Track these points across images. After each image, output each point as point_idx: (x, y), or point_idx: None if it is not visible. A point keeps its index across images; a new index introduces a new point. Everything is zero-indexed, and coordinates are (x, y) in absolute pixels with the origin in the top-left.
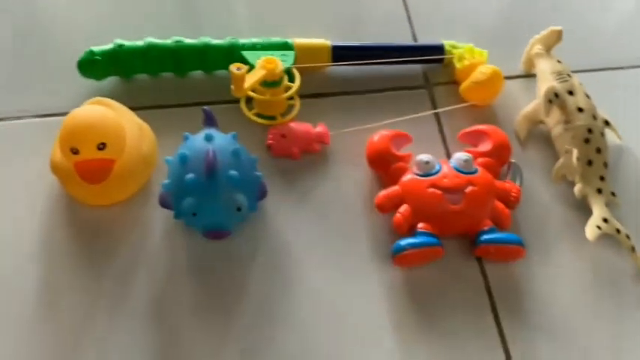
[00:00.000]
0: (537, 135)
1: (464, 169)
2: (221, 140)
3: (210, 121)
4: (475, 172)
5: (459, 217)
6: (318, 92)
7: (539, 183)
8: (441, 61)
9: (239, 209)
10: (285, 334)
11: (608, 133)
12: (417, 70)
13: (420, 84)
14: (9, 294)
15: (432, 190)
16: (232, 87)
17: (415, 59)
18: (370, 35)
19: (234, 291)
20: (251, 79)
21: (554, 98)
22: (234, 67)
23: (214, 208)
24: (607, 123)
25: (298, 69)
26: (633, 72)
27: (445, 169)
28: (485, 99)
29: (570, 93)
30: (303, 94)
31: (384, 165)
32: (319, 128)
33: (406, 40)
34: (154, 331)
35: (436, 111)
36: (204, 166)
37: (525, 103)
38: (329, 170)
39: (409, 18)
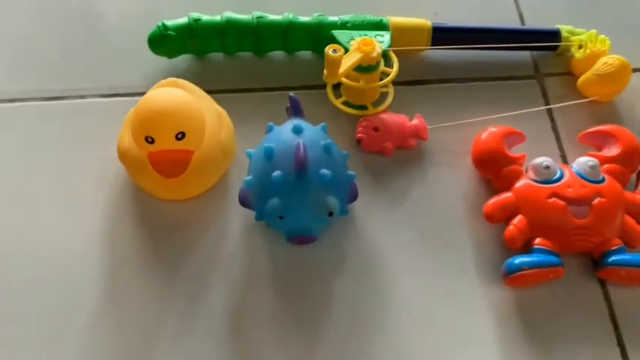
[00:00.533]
0: None
1: (590, 177)
2: (311, 133)
3: (296, 110)
4: (602, 180)
5: (584, 234)
6: (414, 79)
7: None
8: (555, 48)
9: (330, 214)
10: (376, 351)
11: None
12: (527, 57)
13: (529, 74)
14: (75, 288)
15: (553, 200)
16: (325, 72)
17: (525, 45)
18: (469, 18)
19: (320, 301)
20: (346, 64)
21: None
22: (330, 49)
23: (303, 212)
24: None
25: (395, 52)
26: None
27: (568, 175)
28: (609, 94)
29: None
30: (397, 81)
31: (495, 167)
32: (416, 121)
33: (511, 22)
34: (229, 343)
35: (550, 106)
36: (293, 162)
37: None
38: (426, 170)
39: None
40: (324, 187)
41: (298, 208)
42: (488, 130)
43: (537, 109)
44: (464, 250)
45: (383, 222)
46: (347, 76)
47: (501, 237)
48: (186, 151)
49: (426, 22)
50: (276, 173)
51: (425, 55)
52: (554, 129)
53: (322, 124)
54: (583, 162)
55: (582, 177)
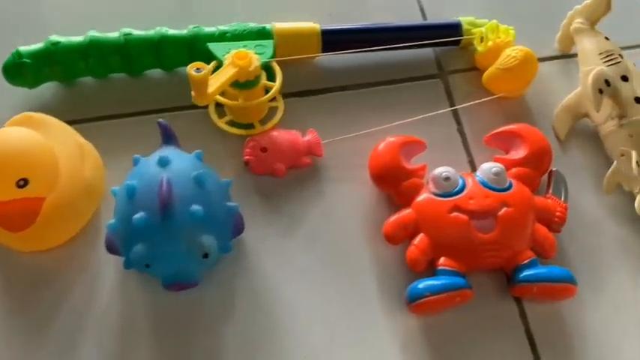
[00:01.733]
0: (581, 132)
1: (494, 185)
2: (180, 163)
3: (167, 137)
4: (509, 187)
5: (490, 249)
6: (306, 89)
7: (587, 196)
8: (457, 43)
9: (206, 255)
10: None
11: None
12: (429, 55)
13: (432, 73)
14: None
15: (454, 214)
16: (193, 93)
17: (425, 43)
18: (367, 14)
19: (207, 351)
20: (217, 81)
21: (604, 87)
22: (192, 68)
23: (173, 257)
24: None
25: (280, 62)
26: None
27: (470, 185)
28: (515, 89)
29: (624, 79)
30: (287, 93)
31: (393, 182)
32: (309, 136)
33: (413, 18)
34: None
35: (454, 108)
36: (157, 201)
37: (564, 92)
38: (323, 188)
39: None
40: (195, 226)
41: (167, 254)
42: (384, 141)
43: (441, 111)
44: (367, 275)
45: (277, 251)
46: (225, 94)
47: (405, 259)
48: (33, 200)
49: (315, 26)
50: (138, 215)
51: (318, 62)
52: (461, 132)
53: (197, 151)
54: (486, 169)
55: (486, 186)
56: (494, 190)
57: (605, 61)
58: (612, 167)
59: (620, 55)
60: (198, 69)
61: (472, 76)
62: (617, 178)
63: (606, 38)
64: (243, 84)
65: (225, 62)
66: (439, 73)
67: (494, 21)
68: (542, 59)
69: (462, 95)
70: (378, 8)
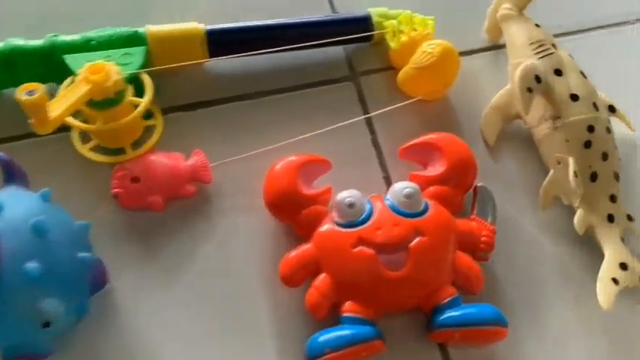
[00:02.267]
0: (515, 136)
1: (406, 210)
2: (17, 209)
3: (9, 174)
4: (424, 211)
5: (403, 289)
6: (193, 102)
7: (521, 213)
8: (369, 39)
9: (47, 324)
10: None
11: (615, 125)
12: (338, 54)
13: (343, 74)
14: None
15: (359, 248)
16: (31, 121)
17: (329, 41)
18: (268, 11)
19: None
20: (65, 102)
21: (534, 84)
22: (22, 92)
23: (8, 327)
24: (612, 110)
25: (158, 72)
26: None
27: (379, 210)
28: (435, 90)
29: (558, 73)
30: (169, 107)
31: (290, 211)
32: (194, 159)
33: (322, 12)
34: None
35: (367, 115)
36: None
37: (494, 90)
38: (212, 223)
39: None
40: (32, 289)
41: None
42: (279, 162)
43: (351, 120)
44: (265, 326)
45: (155, 304)
46: (82, 115)
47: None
48: None
49: (198, 26)
50: None
51: (207, 68)
52: (375, 143)
53: (43, 190)
54: (397, 190)
55: (397, 211)
56: (405, 215)
57: (536, 53)
58: (548, 177)
59: (553, 44)
60: (30, 91)
61: (388, 77)
62: (555, 189)
63: (537, 25)
64: (101, 103)
65: (77, 78)
66: (350, 74)
67: (408, 11)
68: (467, 52)
69: (377, 100)
70: (279, 3)
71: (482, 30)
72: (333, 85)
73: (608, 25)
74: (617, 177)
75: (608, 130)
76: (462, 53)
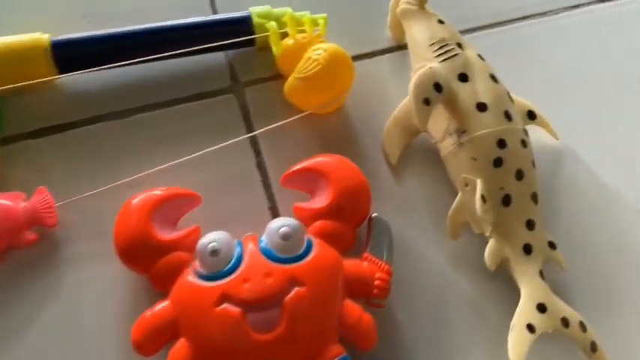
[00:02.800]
0: (421, 152)
1: (283, 254)
2: None
3: None
4: (306, 253)
5: (275, 354)
6: (40, 127)
7: (427, 242)
8: (251, 43)
9: None
10: None
11: (537, 133)
12: (219, 62)
13: (223, 86)
14: None
15: (223, 307)
16: None
17: (200, 48)
18: (139, 13)
19: None
20: None
21: (433, 94)
22: None
23: None
24: (532, 116)
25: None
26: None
27: (249, 256)
28: (326, 102)
29: (463, 78)
30: (11, 136)
31: (144, 261)
32: (36, 199)
33: (201, 13)
34: None
35: (249, 135)
36: None
37: (401, 98)
38: (59, 276)
39: None
40: None
41: None
42: (132, 200)
43: (230, 141)
44: None
45: None
46: None
47: None
48: None
49: (40, 38)
50: None
51: (60, 86)
52: (260, 166)
53: None
54: (273, 230)
55: (271, 256)
56: (281, 261)
57: (438, 55)
58: (456, 202)
59: (458, 44)
60: None
61: (275, 87)
62: (463, 216)
63: (440, 22)
64: None
65: None
66: (233, 85)
67: (288, 9)
68: (369, 54)
69: (263, 114)
70: (151, 4)
71: (386, 26)
72: (212, 99)
73: (532, 16)
74: (535, 198)
75: (524, 144)
76: (363, 56)
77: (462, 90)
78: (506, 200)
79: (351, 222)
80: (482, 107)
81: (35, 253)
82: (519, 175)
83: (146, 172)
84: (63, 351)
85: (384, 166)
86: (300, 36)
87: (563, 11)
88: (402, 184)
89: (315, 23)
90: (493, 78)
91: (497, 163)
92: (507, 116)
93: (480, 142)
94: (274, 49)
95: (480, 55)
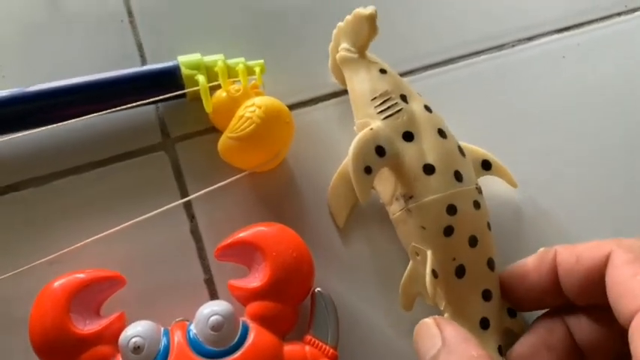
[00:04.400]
0: (372, 211)
1: (213, 347)
2: None
3: None
4: (240, 344)
5: None
6: None
7: (377, 314)
8: (181, 95)
9: None
10: None
11: (492, 185)
12: (149, 115)
13: (153, 142)
14: None
15: None
16: None
17: (127, 106)
18: (60, 68)
19: None
20: None
21: (375, 160)
22: None
23: None
24: (487, 166)
25: None
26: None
27: (176, 351)
28: (263, 162)
29: (408, 137)
30: None
31: (62, 358)
32: None
33: (131, 63)
34: None
35: (181, 201)
36: None
37: (347, 148)
38: None
39: (131, 17)
40: None
41: None
42: (47, 289)
43: (161, 209)
44: None
45: None
46: None
47: None
48: None
49: None
50: None
51: None
52: (195, 233)
53: None
54: (203, 318)
55: (199, 350)
56: (210, 356)
57: (380, 112)
58: (407, 272)
59: (402, 95)
60: None
61: (209, 142)
62: (415, 286)
63: (382, 71)
64: None
65: None
66: (163, 141)
67: (220, 55)
68: (313, 100)
69: (197, 173)
70: (73, 57)
71: (329, 70)
72: (141, 157)
73: (482, 52)
74: (491, 265)
75: (477, 206)
76: (305, 102)
77: (408, 151)
78: (460, 271)
79: (292, 301)
80: (429, 169)
81: None
82: (473, 241)
83: (66, 250)
84: None
85: (331, 228)
86: (233, 88)
87: (518, 44)
88: (350, 248)
89: (250, 72)
90: (441, 133)
91: (448, 231)
92: (457, 177)
93: (429, 210)
94: (205, 106)
95: (427, 107)
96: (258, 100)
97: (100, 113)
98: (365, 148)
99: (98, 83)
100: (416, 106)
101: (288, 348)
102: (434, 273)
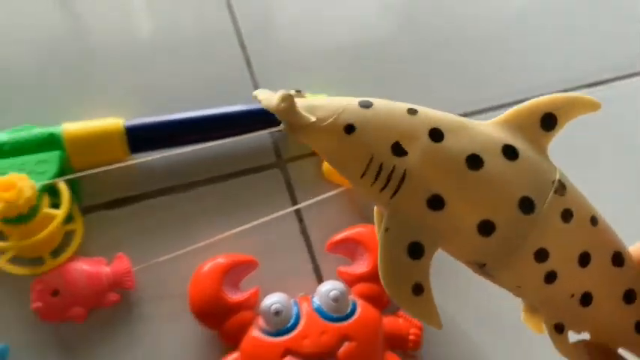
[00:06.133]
0: None
1: (333, 314)
2: None
3: None
4: (352, 313)
5: None
6: (116, 198)
7: (444, 301)
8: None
9: None
10: None
11: None
12: (265, 140)
13: (270, 161)
14: None
15: (287, 359)
16: None
17: (241, 136)
18: (190, 98)
19: None
20: None
21: (417, 271)
22: None
23: None
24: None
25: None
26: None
27: (305, 316)
28: None
29: (435, 203)
30: (91, 206)
31: (217, 320)
32: (116, 264)
33: (247, 96)
34: None
35: (297, 207)
36: None
37: None
38: (138, 331)
39: (248, 62)
40: None
41: None
42: (204, 267)
43: (280, 213)
44: None
45: None
46: None
47: None
48: None
49: (117, 122)
50: None
51: (131, 163)
52: (305, 234)
53: None
54: (324, 293)
55: (324, 315)
56: (333, 320)
57: (383, 188)
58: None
59: (395, 147)
60: None
61: (315, 163)
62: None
63: (349, 129)
64: (15, 219)
65: None
66: (277, 161)
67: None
68: None
69: (305, 187)
70: (205, 92)
71: None
72: (260, 173)
73: None
74: (618, 260)
75: (568, 215)
76: None
77: (447, 219)
78: (585, 300)
79: None
80: (485, 229)
81: (116, 311)
82: (584, 260)
83: (208, 241)
84: None
85: None
86: None
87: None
88: None
89: None
90: (472, 161)
91: (550, 278)
92: (523, 208)
93: (515, 270)
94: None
95: (436, 131)
96: None
97: (230, 139)
98: (395, 267)
99: (232, 115)
100: (421, 146)
101: (387, 319)
102: (556, 329)
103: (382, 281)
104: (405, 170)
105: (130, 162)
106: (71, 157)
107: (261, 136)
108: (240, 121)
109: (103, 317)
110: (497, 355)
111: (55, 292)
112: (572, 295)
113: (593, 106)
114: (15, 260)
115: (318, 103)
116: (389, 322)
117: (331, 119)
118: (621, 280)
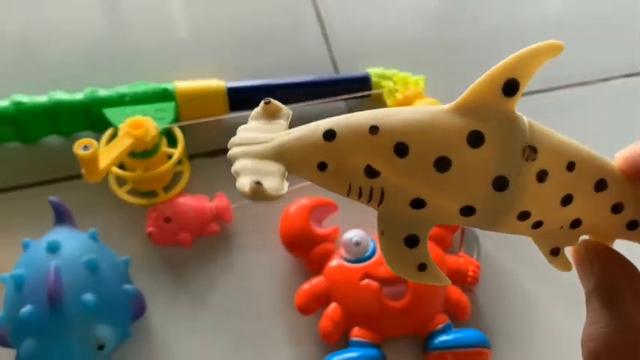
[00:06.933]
0: None
1: None
2: (71, 247)
3: (60, 216)
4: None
5: (403, 317)
6: (215, 148)
7: (497, 247)
8: (368, 96)
9: (101, 347)
10: None
11: None
12: (341, 109)
13: None
14: None
15: (366, 282)
16: (82, 171)
17: (329, 100)
18: (276, 67)
19: None
20: (112, 154)
21: (416, 250)
22: (79, 147)
23: (65, 351)
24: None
25: (183, 125)
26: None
27: None
28: None
29: (417, 204)
30: (194, 154)
31: (304, 249)
32: (217, 201)
33: (324, 69)
34: None
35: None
36: (45, 292)
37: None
38: (233, 256)
39: (327, 40)
40: (88, 317)
41: (58, 349)
42: (293, 205)
43: None
44: (281, 349)
45: (185, 329)
46: (121, 163)
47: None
48: None
49: (220, 84)
50: (26, 309)
51: (227, 119)
52: None
53: (91, 230)
54: None
55: None
56: None
57: (369, 202)
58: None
59: (368, 170)
60: (86, 146)
61: None
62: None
63: (321, 166)
64: (140, 154)
65: (120, 132)
66: None
67: (405, 72)
68: None
69: None
70: (288, 63)
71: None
72: None
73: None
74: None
75: (542, 175)
76: None
77: (427, 215)
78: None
79: (450, 229)
80: (467, 211)
81: (217, 240)
82: (566, 201)
83: (294, 187)
84: (236, 311)
85: None
86: (407, 92)
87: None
88: None
89: (417, 83)
90: (439, 164)
91: (537, 225)
92: (496, 186)
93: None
94: (388, 102)
95: (401, 145)
96: (429, 99)
97: (315, 102)
98: (398, 259)
99: (314, 82)
100: (390, 164)
101: (449, 257)
102: (552, 253)
103: (392, 270)
104: (382, 188)
105: (229, 116)
106: (181, 110)
107: (338, 104)
108: (321, 87)
109: (204, 245)
110: (542, 297)
111: (168, 220)
112: (562, 227)
113: (554, 50)
114: (133, 193)
115: (286, 143)
116: (451, 260)
117: (303, 165)
118: (607, 199)
